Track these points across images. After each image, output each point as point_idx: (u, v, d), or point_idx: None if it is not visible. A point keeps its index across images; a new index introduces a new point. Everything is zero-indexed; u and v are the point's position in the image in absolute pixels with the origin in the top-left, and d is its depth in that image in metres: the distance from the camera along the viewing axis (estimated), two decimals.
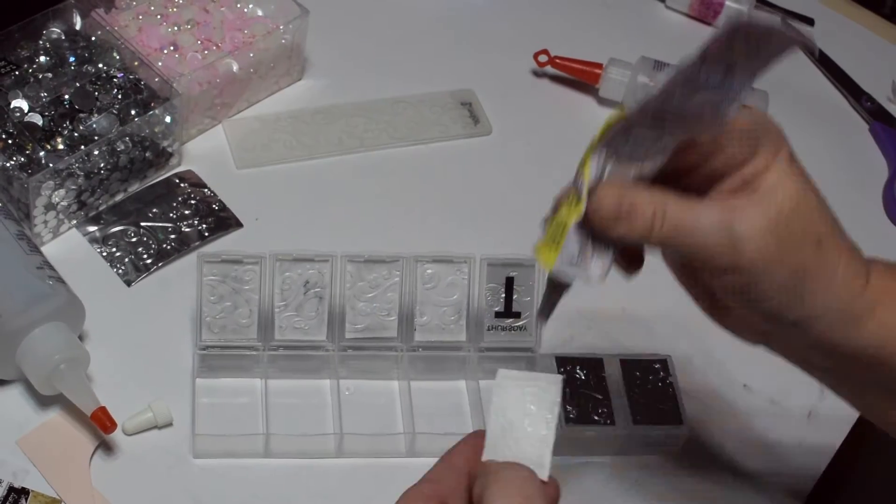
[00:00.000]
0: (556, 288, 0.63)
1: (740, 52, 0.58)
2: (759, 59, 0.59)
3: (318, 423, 0.82)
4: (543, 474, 0.56)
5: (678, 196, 0.63)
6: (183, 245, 0.91)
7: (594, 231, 0.61)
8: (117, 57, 0.93)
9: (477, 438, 0.59)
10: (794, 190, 0.64)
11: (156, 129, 0.92)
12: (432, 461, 0.80)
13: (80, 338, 0.82)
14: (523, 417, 0.57)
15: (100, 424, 0.77)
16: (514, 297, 0.85)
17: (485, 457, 0.57)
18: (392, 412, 0.83)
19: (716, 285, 0.65)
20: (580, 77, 1.07)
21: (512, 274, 0.84)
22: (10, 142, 0.87)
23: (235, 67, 0.97)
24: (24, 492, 0.76)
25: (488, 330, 0.85)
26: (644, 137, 0.60)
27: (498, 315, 0.85)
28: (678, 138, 0.61)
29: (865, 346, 0.65)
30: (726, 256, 0.63)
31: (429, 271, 0.84)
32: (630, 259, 0.67)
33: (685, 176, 0.64)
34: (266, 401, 0.81)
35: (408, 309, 0.84)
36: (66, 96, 0.90)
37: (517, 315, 0.85)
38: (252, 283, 0.82)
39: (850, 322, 0.65)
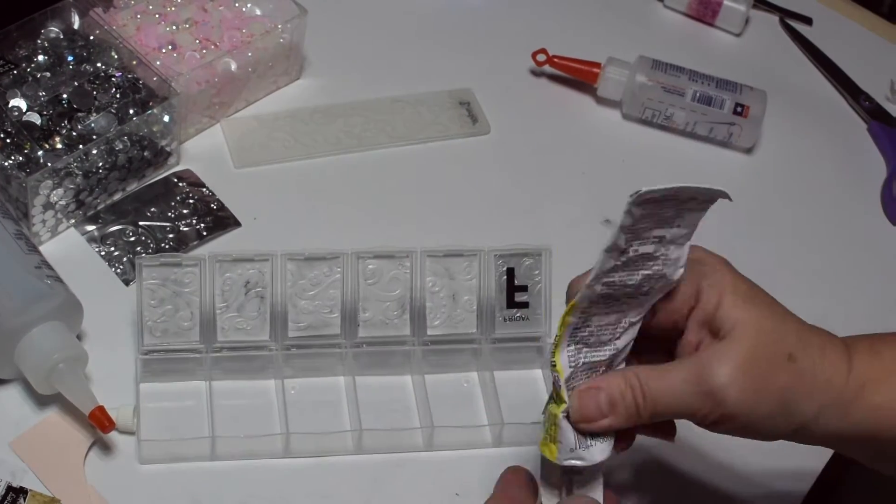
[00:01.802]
0: (564, 472, 0.66)
1: (657, 222, 0.61)
2: (683, 219, 0.62)
3: (264, 424, 0.81)
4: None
5: (650, 366, 0.66)
6: (181, 244, 0.91)
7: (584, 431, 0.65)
8: (115, 56, 0.93)
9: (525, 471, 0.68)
10: (751, 320, 0.65)
11: (154, 129, 0.92)
12: (380, 457, 0.82)
13: (79, 337, 0.82)
14: None
15: (98, 424, 0.77)
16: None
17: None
18: (338, 410, 0.83)
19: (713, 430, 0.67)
20: (578, 76, 1.07)
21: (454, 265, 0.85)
22: (8, 141, 0.87)
23: (234, 67, 0.97)
24: (22, 491, 0.76)
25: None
26: (606, 323, 0.64)
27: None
28: (640, 314, 0.65)
29: (858, 429, 0.67)
30: (711, 412, 0.65)
31: (370, 267, 0.84)
32: (661, 430, 0.69)
33: (647, 339, 0.68)
34: (211, 403, 0.81)
35: (350, 305, 0.84)
36: (65, 95, 0.90)
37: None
38: (192, 286, 0.81)
39: (841, 413, 0.67)
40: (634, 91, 1.05)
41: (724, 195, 0.62)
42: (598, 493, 0.66)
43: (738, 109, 1.03)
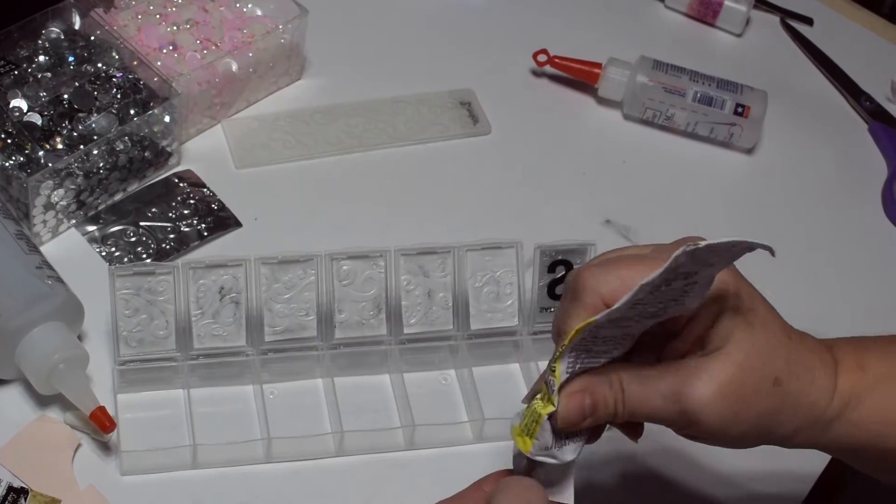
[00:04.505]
0: (532, 462, 0.66)
1: (698, 265, 0.61)
2: (718, 265, 0.62)
3: (244, 430, 0.81)
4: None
5: (634, 370, 0.64)
6: (182, 245, 0.91)
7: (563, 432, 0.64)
8: (116, 56, 0.93)
9: (508, 470, 0.65)
10: (742, 340, 0.63)
11: (155, 129, 0.92)
12: (362, 458, 0.82)
13: (79, 337, 0.82)
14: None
15: (99, 424, 0.77)
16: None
17: None
18: (319, 412, 0.83)
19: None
20: (579, 77, 1.07)
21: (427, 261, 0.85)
22: (9, 141, 0.87)
23: (234, 67, 0.97)
24: (23, 491, 0.76)
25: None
26: (612, 336, 0.63)
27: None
28: (644, 328, 0.64)
29: (836, 444, 0.67)
30: (683, 427, 0.64)
31: (345, 268, 0.83)
32: (629, 428, 0.68)
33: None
34: (190, 411, 0.80)
35: (326, 307, 0.83)
36: (66, 96, 0.90)
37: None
38: (166, 294, 0.81)
39: (819, 431, 0.66)
40: (635, 91, 1.05)
41: (770, 249, 0.61)
42: (568, 489, 0.66)
43: (739, 110, 1.03)
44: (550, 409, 0.63)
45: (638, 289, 0.59)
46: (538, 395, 0.64)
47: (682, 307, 0.63)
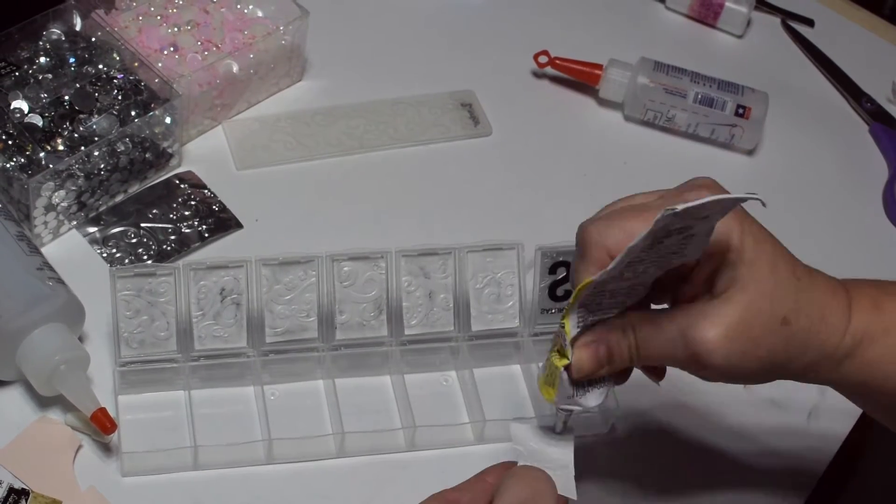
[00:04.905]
0: (563, 411, 0.68)
1: (690, 220, 0.61)
2: (712, 217, 0.62)
3: (245, 431, 0.81)
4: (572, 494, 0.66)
5: (647, 317, 0.65)
6: (183, 246, 0.91)
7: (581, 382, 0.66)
8: (117, 58, 0.93)
9: (512, 463, 0.66)
10: (749, 282, 0.64)
11: (156, 130, 0.92)
12: (363, 459, 0.82)
13: (80, 339, 0.82)
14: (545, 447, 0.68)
15: (99, 425, 0.77)
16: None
17: None
18: (319, 413, 0.83)
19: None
20: (580, 78, 1.07)
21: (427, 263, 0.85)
22: (10, 143, 0.87)
23: (235, 68, 0.97)
24: (24, 493, 0.76)
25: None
26: (619, 289, 0.64)
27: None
28: (653, 277, 0.65)
29: (847, 381, 0.68)
30: (696, 370, 0.65)
31: (345, 269, 0.83)
32: (651, 371, 0.69)
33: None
34: (191, 412, 0.80)
35: (327, 308, 0.83)
36: (66, 97, 0.90)
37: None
38: (167, 295, 0.81)
39: (830, 368, 0.67)
40: (636, 93, 1.05)
41: (760, 200, 0.61)
42: (569, 480, 0.67)
43: (740, 111, 1.03)
44: (565, 362, 0.65)
45: (626, 252, 0.60)
46: (555, 349, 0.66)
47: (685, 258, 0.63)
